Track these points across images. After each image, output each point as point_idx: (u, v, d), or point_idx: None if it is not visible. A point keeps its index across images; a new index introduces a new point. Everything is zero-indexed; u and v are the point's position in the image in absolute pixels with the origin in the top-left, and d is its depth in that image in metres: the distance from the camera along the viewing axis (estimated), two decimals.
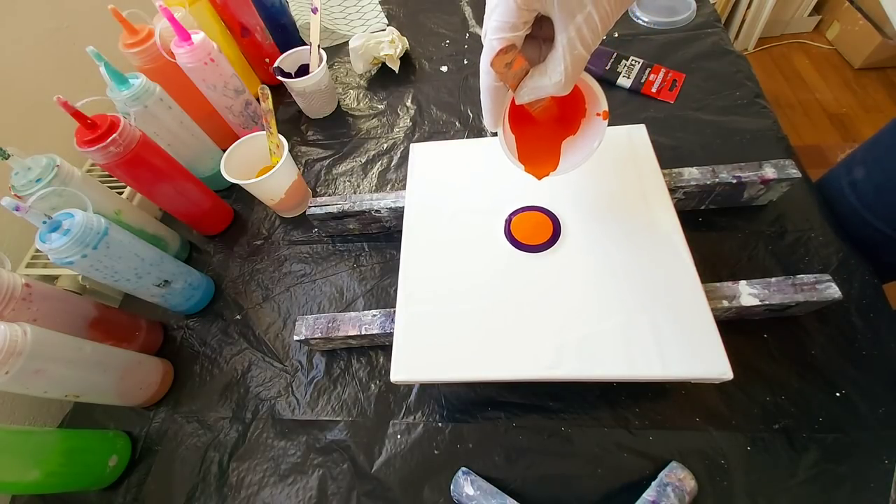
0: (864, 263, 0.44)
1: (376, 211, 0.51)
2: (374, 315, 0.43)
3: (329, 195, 0.60)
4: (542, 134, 0.36)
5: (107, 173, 0.53)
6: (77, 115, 0.43)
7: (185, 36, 0.52)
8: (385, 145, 0.64)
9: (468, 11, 0.78)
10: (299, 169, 0.64)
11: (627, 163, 0.44)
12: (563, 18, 0.25)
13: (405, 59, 0.73)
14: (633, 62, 0.62)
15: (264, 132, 0.54)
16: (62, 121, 0.44)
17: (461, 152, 0.49)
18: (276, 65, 0.64)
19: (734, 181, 0.44)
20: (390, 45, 0.69)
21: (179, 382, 0.50)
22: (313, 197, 0.58)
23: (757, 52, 1.75)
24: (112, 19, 0.50)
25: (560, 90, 0.27)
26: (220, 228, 0.61)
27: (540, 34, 0.28)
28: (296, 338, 0.44)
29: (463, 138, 0.60)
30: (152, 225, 0.55)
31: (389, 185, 0.60)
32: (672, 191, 0.45)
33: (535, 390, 0.42)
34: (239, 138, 0.68)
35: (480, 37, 0.28)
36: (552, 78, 0.27)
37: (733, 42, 0.74)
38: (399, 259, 0.42)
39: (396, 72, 0.71)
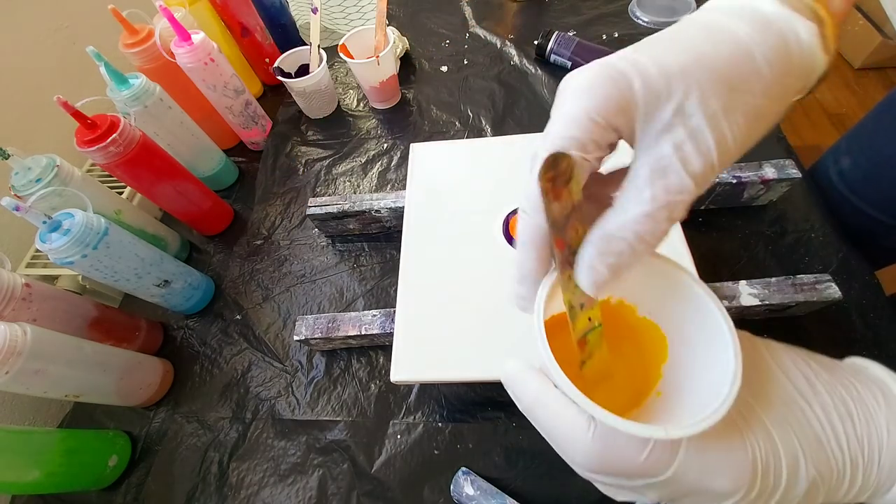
0: (865, 263, 0.44)
1: (376, 211, 0.51)
2: (374, 315, 0.43)
3: (329, 195, 0.60)
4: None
5: (107, 173, 0.52)
6: (77, 115, 0.43)
7: (185, 36, 0.52)
8: (385, 145, 0.64)
9: (468, 11, 0.78)
10: (299, 169, 0.64)
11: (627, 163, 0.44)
12: (653, 131, 0.17)
13: (405, 59, 0.73)
14: None
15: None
16: (62, 121, 0.44)
17: (461, 152, 0.49)
18: (276, 65, 0.64)
19: (734, 181, 0.44)
20: None
21: (179, 382, 0.50)
22: (313, 197, 0.58)
23: None
24: (112, 19, 0.50)
25: (641, 237, 0.17)
26: (220, 228, 0.61)
27: (603, 192, 0.20)
28: (296, 338, 0.44)
29: (463, 138, 0.60)
30: (152, 225, 0.55)
31: (389, 185, 0.60)
32: None
33: None
34: (239, 138, 0.69)
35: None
36: (627, 212, 0.17)
37: None
38: (399, 259, 0.42)
39: (396, 72, 0.71)
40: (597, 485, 0.21)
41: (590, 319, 0.21)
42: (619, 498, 0.21)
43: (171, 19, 0.50)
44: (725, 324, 0.19)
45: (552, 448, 0.20)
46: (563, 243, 0.19)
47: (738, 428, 0.18)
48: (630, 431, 0.17)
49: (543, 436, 0.20)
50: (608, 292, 0.18)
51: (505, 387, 0.21)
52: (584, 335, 0.21)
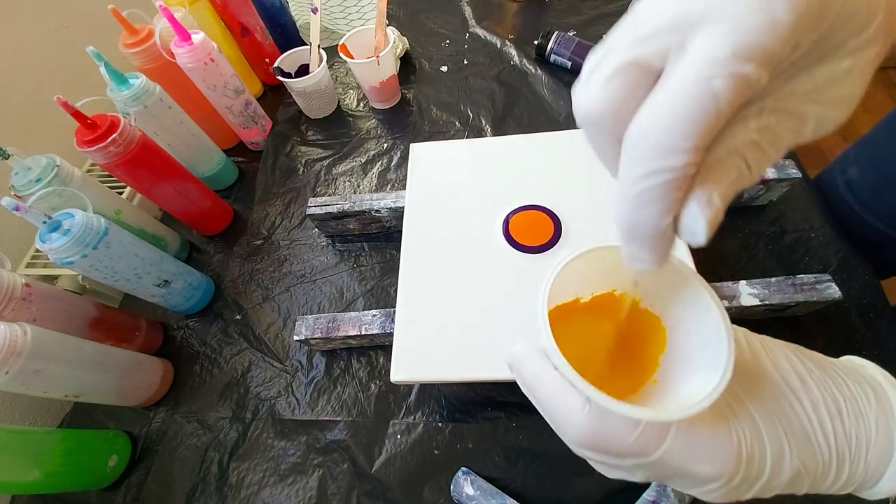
0: (864, 263, 0.44)
1: (376, 211, 0.51)
2: (374, 315, 0.43)
3: (329, 195, 0.60)
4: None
5: (107, 173, 0.53)
6: (77, 115, 0.43)
7: (185, 36, 0.52)
8: (385, 145, 0.64)
9: (468, 11, 0.78)
10: (299, 169, 0.64)
11: None
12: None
13: (405, 59, 0.73)
14: None
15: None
16: (62, 121, 0.44)
17: (461, 152, 0.49)
18: (276, 65, 0.64)
19: None
20: None
21: (179, 382, 0.50)
22: (313, 197, 0.58)
23: None
24: (112, 19, 0.50)
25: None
26: (220, 228, 0.61)
27: None
28: (296, 338, 0.44)
29: (463, 138, 0.60)
30: (152, 225, 0.55)
31: (389, 185, 0.60)
32: None
33: None
34: (239, 138, 0.69)
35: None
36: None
37: None
38: (399, 259, 0.42)
39: (396, 72, 0.71)
40: (590, 461, 0.22)
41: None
42: (610, 475, 0.22)
43: (171, 19, 0.50)
44: (721, 318, 0.19)
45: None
46: None
47: (726, 418, 0.19)
48: (622, 412, 0.17)
49: (541, 412, 0.21)
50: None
51: (509, 367, 0.22)
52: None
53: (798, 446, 0.19)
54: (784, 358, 0.21)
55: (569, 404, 0.19)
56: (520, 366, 0.21)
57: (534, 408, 0.44)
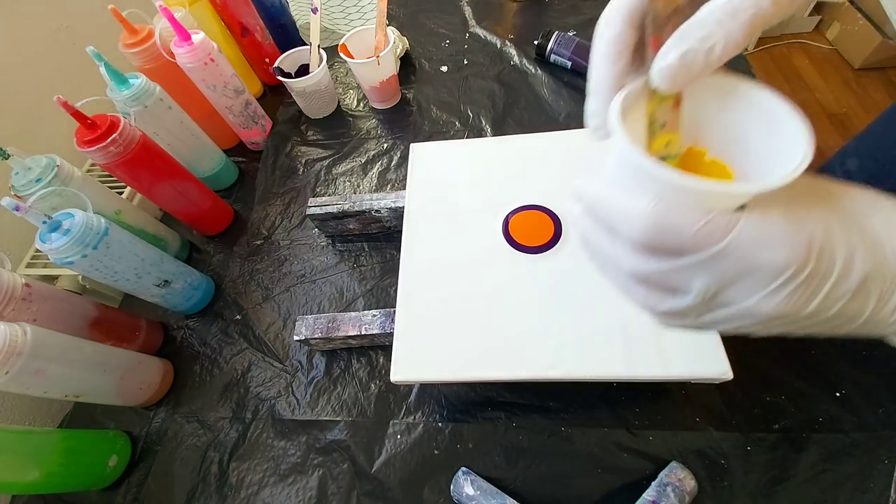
0: None
1: (376, 211, 0.51)
2: (374, 315, 0.43)
3: (329, 195, 0.60)
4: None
5: (107, 173, 0.52)
6: (77, 115, 0.43)
7: (185, 36, 0.52)
8: (385, 145, 0.64)
9: (468, 11, 0.78)
10: (299, 169, 0.64)
11: None
12: None
13: (405, 59, 0.73)
14: None
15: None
16: (62, 121, 0.44)
17: (461, 152, 0.49)
18: (276, 65, 0.64)
19: None
20: None
21: (179, 382, 0.50)
22: (313, 197, 0.58)
23: (757, 53, 1.75)
24: (112, 19, 0.50)
25: (720, 22, 0.17)
26: (220, 228, 0.61)
27: None
28: (296, 338, 0.44)
29: (463, 138, 0.60)
30: (152, 225, 0.55)
31: (389, 185, 0.60)
32: None
33: (535, 390, 0.42)
34: (239, 138, 0.69)
35: None
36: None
37: None
38: (399, 259, 0.42)
39: (396, 72, 0.71)
40: (641, 290, 0.21)
41: (668, 145, 0.20)
42: (661, 307, 0.20)
43: (171, 19, 0.50)
44: (796, 124, 0.18)
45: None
46: (661, 44, 0.18)
47: (798, 213, 0.18)
48: (704, 188, 0.17)
49: (595, 235, 0.21)
50: (680, 87, 0.18)
51: (571, 199, 0.22)
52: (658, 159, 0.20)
53: (868, 249, 0.18)
54: (855, 188, 0.20)
55: (634, 205, 0.19)
56: (583, 188, 0.21)
57: (534, 407, 0.44)
